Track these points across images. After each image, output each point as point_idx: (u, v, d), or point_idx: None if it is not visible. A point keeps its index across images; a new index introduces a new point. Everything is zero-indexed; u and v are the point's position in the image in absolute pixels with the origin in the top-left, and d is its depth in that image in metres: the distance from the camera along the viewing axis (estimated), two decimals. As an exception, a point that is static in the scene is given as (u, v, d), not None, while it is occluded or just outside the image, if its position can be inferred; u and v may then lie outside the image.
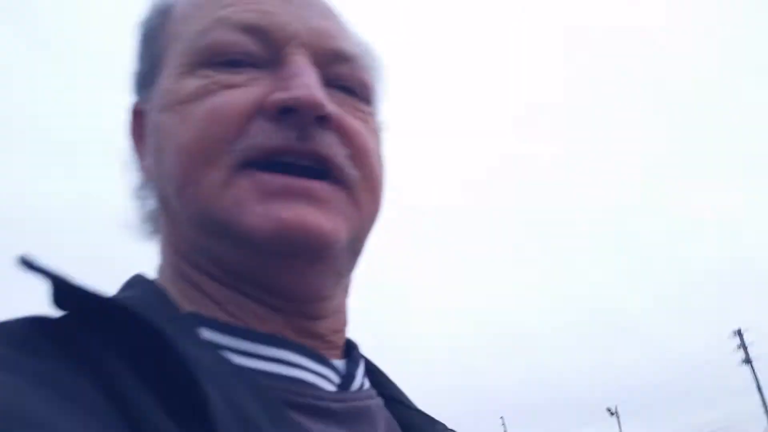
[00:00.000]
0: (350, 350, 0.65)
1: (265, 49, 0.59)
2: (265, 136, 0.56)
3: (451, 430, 0.70)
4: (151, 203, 0.67)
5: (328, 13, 0.65)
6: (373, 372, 0.69)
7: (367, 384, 0.65)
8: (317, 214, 0.55)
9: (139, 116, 0.67)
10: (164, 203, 0.62)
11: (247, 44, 0.59)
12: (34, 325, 0.48)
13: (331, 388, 0.59)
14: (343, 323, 0.65)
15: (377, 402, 0.64)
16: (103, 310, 0.48)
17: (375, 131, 0.64)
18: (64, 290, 0.48)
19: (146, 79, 0.65)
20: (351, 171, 0.59)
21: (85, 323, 0.48)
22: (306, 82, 0.56)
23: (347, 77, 0.62)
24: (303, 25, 0.60)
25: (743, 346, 25.80)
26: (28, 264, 0.47)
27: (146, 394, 0.44)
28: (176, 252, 0.62)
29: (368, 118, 0.63)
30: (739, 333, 26.28)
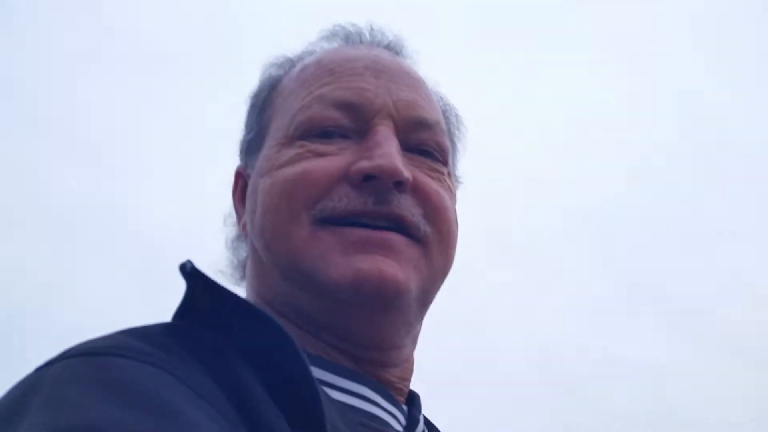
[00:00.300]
0: (413, 399, 0.70)
1: (354, 122, 0.67)
2: (346, 200, 0.63)
3: None
4: (242, 254, 0.75)
5: (414, 83, 0.72)
6: (429, 425, 0.74)
7: (426, 431, 0.70)
8: (392, 265, 0.62)
9: (240, 177, 0.76)
10: (254, 256, 0.70)
11: (340, 118, 0.67)
12: (169, 329, 0.53)
13: (398, 428, 0.65)
14: (410, 372, 0.70)
15: None
16: (233, 320, 0.53)
17: (450, 190, 0.71)
18: (210, 298, 0.53)
19: (252, 146, 0.74)
20: (425, 228, 0.65)
21: (209, 328, 0.53)
22: (387, 152, 0.64)
23: (426, 142, 0.69)
24: (390, 98, 0.68)
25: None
26: (188, 270, 0.53)
27: (268, 400, 0.49)
28: (262, 299, 0.69)
29: (443, 178, 0.70)
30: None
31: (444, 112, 0.76)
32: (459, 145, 0.78)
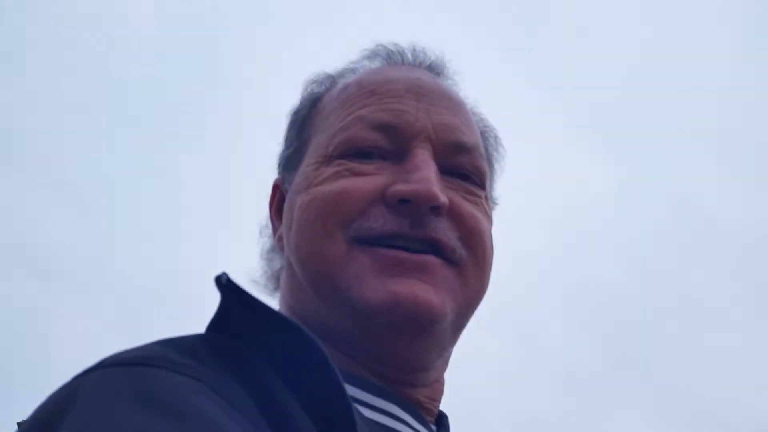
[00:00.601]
0: (441, 419, 0.70)
1: (393, 144, 0.67)
2: (382, 221, 0.63)
3: None
4: (276, 265, 0.75)
5: (454, 106, 0.72)
6: None
7: None
8: (427, 290, 0.61)
9: (278, 190, 0.77)
10: (289, 270, 0.70)
11: (379, 140, 0.67)
12: (204, 341, 0.54)
13: None
14: (440, 393, 0.69)
15: None
16: (266, 333, 0.53)
17: (487, 213, 0.71)
18: (245, 310, 0.53)
19: (290, 162, 0.74)
20: (461, 251, 0.65)
21: (244, 342, 0.53)
22: (424, 176, 0.63)
23: (464, 166, 0.69)
24: (430, 121, 0.68)
25: None
26: (223, 282, 0.53)
27: (302, 414, 0.49)
28: (295, 313, 0.68)
29: (480, 202, 0.70)
30: None
31: (483, 134, 0.76)
32: (497, 167, 0.78)
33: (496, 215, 0.76)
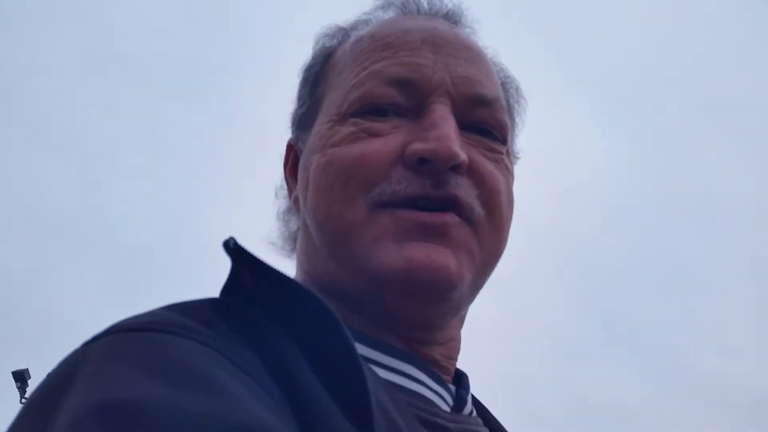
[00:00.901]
0: (460, 378, 0.68)
1: (410, 99, 0.64)
2: (405, 183, 0.61)
3: None
4: (293, 226, 0.74)
5: (474, 57, 0.69)
6: (477, 405, 0.72)
7: (475, 412, 0.68)
8: (445, 254, 0.60)
9: (292, 150, 0.75)
10: (305, 232, 0.69)
11: (395, 96, 0.64)
12: (214, 305, 0.53)
13: (446, 408, 0.62)
14: (456, 351, 0.68)
15: (485, 431, 0.67)
16: (276, 297, 0.52)
17: (507, 169, 0.68)
18: (254, 275, 0.53)
19: (304, 120, 0.72)
20: (479, 210, 0.63)
21: (256, 306, 0.53)
22: (443, 133, 0.61)
23: (485, 120, 0.66)
24: (448, 74, 0.65)
25: None
26: (231, 247, 0.53)
27: (313, 377, 0.48)
28: (310, 276, 0.68)
29: (500, 158, 0.67)
30: None
31: (504, 85, 0.73)
32: (518, 119, 0.75)
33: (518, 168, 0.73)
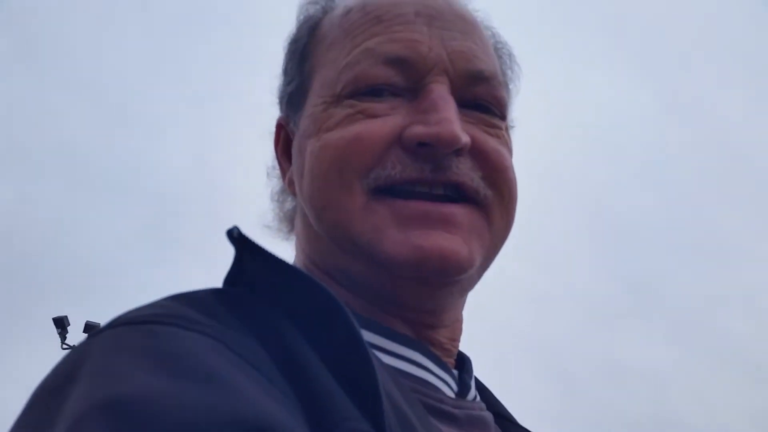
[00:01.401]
0: (463, 362, 0.67)
1: (406, 79, 0.62)
2: (401, 167, 0.59)
3: None
4: (288, 206, 0.72)
5: (469, 28, 0.66)
6: (481, 389, 0.71)
7: (479, 397, 0.67)
8: (454, 242, 0.58)
9: (282, 130, 0.72)
10: (304, 218, 0.67)
11: (391, 76, 0.62)
12: (218, 295, 0.52)
13: (450, 393, 0.62)
14: (460, 332, 0.67)
15: (489, 415, 0.66)
16: (281, 286, 0.52)
17: (508, 145, 0.66)
18: (258, 263, 0.52)
19: (293, 99, 0.69)
20: (485, 191, 0.61)
21: (260, 294, 0.52)
22: (445, 116, 0.59)
23: (483, 96, 0.64)
24: (444, 50, 0.62)
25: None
26: (235, 236, 0.52)
27: (320, 365, 0.47)
28: (312, 262, 0.66)
29: (501, 133, 0.65)
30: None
31: (497, 51, 0.70)
32: (512, 87, 0.72)
33: (516, 137, 0.71)
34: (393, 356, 0.60)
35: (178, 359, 0.42)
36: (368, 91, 0.62)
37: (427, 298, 0.61)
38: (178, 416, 0.38)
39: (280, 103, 0.73)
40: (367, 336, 0.58)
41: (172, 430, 0.37)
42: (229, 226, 0.53)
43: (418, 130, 0.59)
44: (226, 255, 0.54)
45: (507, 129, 0.67)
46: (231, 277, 0.55)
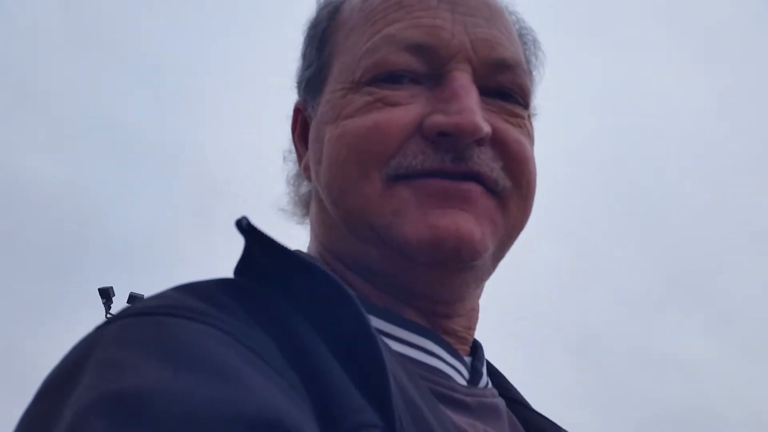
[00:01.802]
0: (476, 349, 0.67)
1: (428, 66, 0.61)
2: (422, 157, 0.59)
3: None
4: (303, 190, 0.72)
5: (493, 14, 0.65)
6: (493, 374, 0.71)
7: (490, 383, 0.67)
8: (469, 220, 0.57)
9: (300, 114, 0.72)
10: (319, 204, 0.67)
11: (412, 63, 0.60)
12: (226, 285, 0.52)
13: (462, 381, 0.61)
14: (475, 320, 0.67)
15: (502, 402, 0.66)
16: (290, 277, 0.51)
17: (529, 134, 0.65)
18: (266, 253, 0.52)
19: (312, 84, 0.68)
20: (505, 182, 0.60)
21: (269, 285, 0.52)
22: (466, 106, 0.58)
23: (507, 84, 0.63)
24: (467, 37, 0.61)
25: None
26: (243, 226, 0.52)
27: (329, 355, 0.47)
28: (327, 250, 0.66)
29: (523, 123, 0.64)
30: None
31: (521, 38, 0.68)
32: (536, 74, 0.70)
33: (539, 124, 0.69)
34: (404, 344, 0.59)
35: (186, 351, 0.42)
36: (388, 77, 0.61)
37: (441, 286, 0.61)
38: (185, 409, 0.37)
39: (298, 87, 0.72)
40: (378, 324, 0.59)
41: (178, 424, 0.37)
42: (239, 216, 0.52)
43: (439, 119, 0.58)
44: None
45: (529, 117, 0.66)
46: (240, 268, 0.55)
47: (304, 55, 0.71)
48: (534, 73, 0.70)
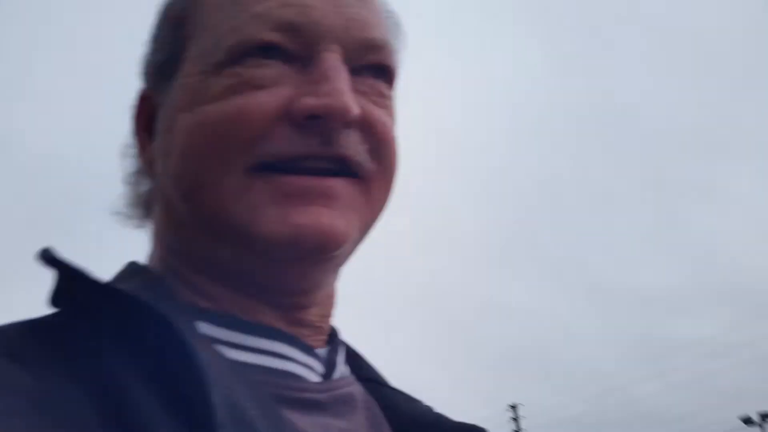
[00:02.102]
0: (332, 336, 0.65)
1: (297, 46, 0.57)
2: (288, 143, 0.56)
3: (427, 406, 0.71)
4: (142, 188, 0.66)
5: None
6: (351, 355, 0.69)
7: (347, 370, 0.66)
8: (332, 216, 0.55)
9: (145, 103, 0.65)
10: (164, 202, 0.62)
11: (280, 43, 0.57)
12: (27, 328, 0.50)
13: (316, 378, 0.60)
14: (332, 306, 0.65)
15: (358, 387, 0.65)
16: (107, 304, 0.49)
17: (394, 115, 0.64)
18: (78, 284, 0.50)
19: (164, 68, 0.62)
20: (368, 164, 0.59)
21: (84, 319, 0.50)
22: (336, 87, 0.55)
23: (376, 64, 0.61)
24: (338, 17, 0.59)
25: (516, 419, 29.53)
26: (46, 257, 0.50)
27: (148, 392, 0.45)
28: (168, 249, 0.62)
29: (389, 104, 0.63)
30: (513, 407, 29.89)
31: (386, 20, 0.66)
32: (399, 56, 0.67)
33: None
34: (248, 351, 0.57)
35: None
36: (255, 52, 0.56)
37: (300, 278, 0.59)
38: None
39: (146, 73, 0.65)
40: (221, 333, 0.57)
41: None
42: (40, 248, 0.50)
43: (309, 101, 0.55)
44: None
45: (393, 99, 0.65)
46: (52, 301, 0.52)
47: (156, 38, 0.64)
48: (398, 55, 0.67)
